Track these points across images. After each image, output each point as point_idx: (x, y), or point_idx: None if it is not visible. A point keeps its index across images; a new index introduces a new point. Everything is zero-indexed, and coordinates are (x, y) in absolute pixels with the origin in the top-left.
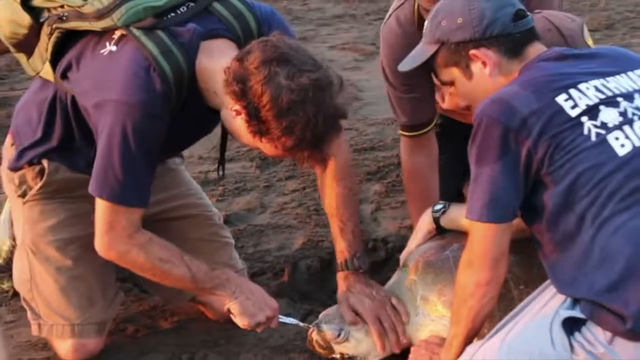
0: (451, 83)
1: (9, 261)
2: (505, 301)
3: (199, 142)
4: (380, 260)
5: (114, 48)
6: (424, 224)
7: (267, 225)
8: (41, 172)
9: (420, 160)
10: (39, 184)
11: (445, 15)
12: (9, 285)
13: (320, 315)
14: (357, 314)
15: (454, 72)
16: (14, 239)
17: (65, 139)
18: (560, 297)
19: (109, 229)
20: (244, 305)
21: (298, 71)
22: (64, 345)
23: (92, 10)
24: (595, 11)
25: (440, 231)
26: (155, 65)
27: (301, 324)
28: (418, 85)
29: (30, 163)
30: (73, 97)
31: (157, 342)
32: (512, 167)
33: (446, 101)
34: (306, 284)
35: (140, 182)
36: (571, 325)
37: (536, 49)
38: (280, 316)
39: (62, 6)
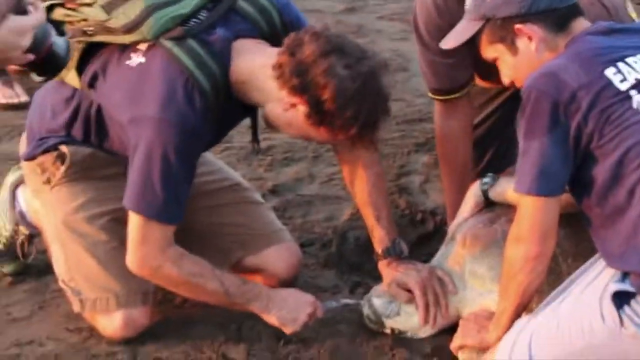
0: (495, 59)
1: (9, 247)
2: (553, 275)
3: None
4: (428, 232)
5: (142, 59)
6: (472, 196)
7: (316, 195)
8: (60, 157)
9: (453, 124)
10: (64, 167)
11: None
12: (10, 269)
13: (372, 290)
14: (407, 290)
15: (499, 48)
16: (16, 224)
17: (82, 138)
18: (610, 271)
19: (143, 243)
20: (279, 316)
21: (355, 60)
22: (110, 321)
23: (119, 24)
24: None
25: (488, 204)
26: (192, 80)
27: (348, 301)
28: (456, 50)
29: (46, 151)
30: (99, 106)
31: (205, 313)
32: (562, 140)
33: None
34: (354, 255)
35: (178, 199)
36: (621, 299)
37: (581, 24)
38: (325, 303)
39: (84, 19)
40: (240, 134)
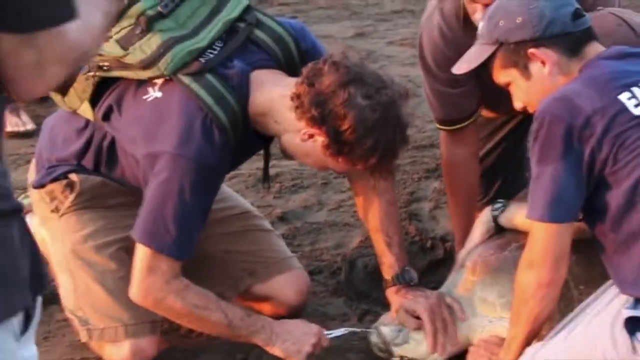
0: (508, 84)
1: None
2: (564, 301)
3: None
4: (438, 259)
5: (159, 94)
6: (482, 222)
7: (324, 222)
8: (69, 185)
9: (460, 152)
10: (72, 195)
11: (504, 15)
12: None
13: (380, 318)
14: (415, 317)
15: (512, 73)
16: None
17: (92, 168)
18: (622, 297)
19: (149, 274)
20: (284, 348)
21: (375, 90)
22: (117, 351)
23: (135, 60)
24: None
25: (498, 230)
26: (211, 115)
27: (354, 329)
28: (463, 80)
29: (55, 179)
30: (112, 138)
31: (211, 342)
32: (575, 166)
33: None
34: (363, 283)
35: (191, 235)
36: (634, 325)
37: (595, 48)
38: (330, 332)
39: (99, 54)
40: (248, 162)
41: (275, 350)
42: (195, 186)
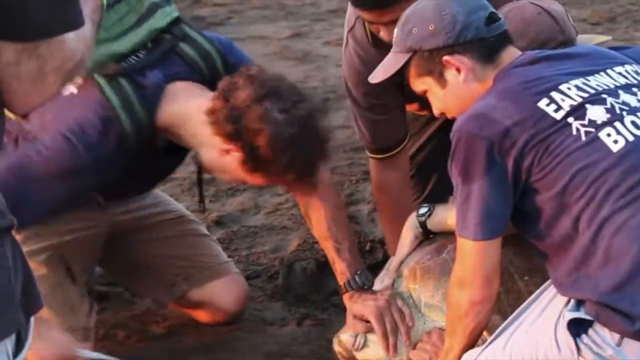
0: (424, 92)
1: None
2: (512, 294)
3: None
4: (377, 262)
5: (75, 90)
6: (409, 229)
7: (262, 226)
8: None
9: (392, 176)
10: None
11: (416, 22)
12: None
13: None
14: (364, 320)
15: (428, 81)
16: None
17: None
18: (563, 298)
19: None
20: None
21: (292, 104)
22: None
23: None
24: (597, 4)
25: (426, 235)
26: (114, 118)
27: (103, 356)
28: (388, 105)
29: None
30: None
31: (149, 348)
32: (501, 180)
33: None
34: (302, 287)
35: (33, 210)
36: (576, 327)
37: (511, 54)
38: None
39: None
40: (184, 165)
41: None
42: (62, 171)
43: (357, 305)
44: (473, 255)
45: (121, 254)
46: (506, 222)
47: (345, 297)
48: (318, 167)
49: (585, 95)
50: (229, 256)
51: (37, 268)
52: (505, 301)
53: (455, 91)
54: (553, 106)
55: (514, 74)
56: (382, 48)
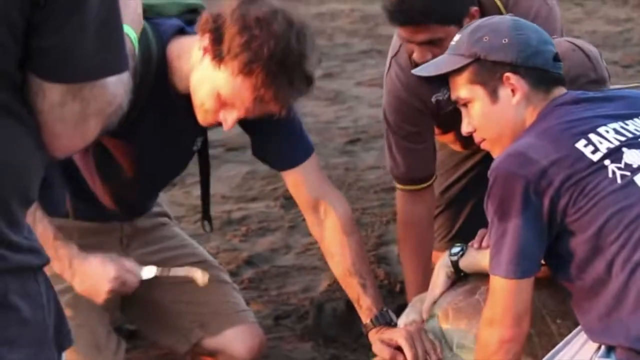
0: (466, 102)
1: None
2: (545, 336)
3: (222, 180)
4: (407, 303)
5: None
6: (442, 268)
7: (292, 266)
8: None
9: (418, 210)
10: None
11: (490, 32)
12: None
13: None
14: (393, 347)
15: (478, 92)
16: None
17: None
18: (594, 344)
19: None
20: (83, 289)
21: (270, 3)
22: None
23: None
24: (628, 46)
25: (458, 275)
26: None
27: (165, 267)
28: (423, 134)
29: None
30: None
31: None
32: (535, 220)
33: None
34: (332, 327)
35: None
36: None
37: (560, 92)
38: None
39: None
40: (214, 204)
41: (76, 288)
42: None
43: (386, 333)
44: (504, 294)
45: (139, 297)
46: (539, 262)
47: (372, 333)
48: (282, 72)
49: (623, 138)
50: (259, 296)
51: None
52: (537, 343)
53: (502, 111)
54: (590, 148)
55: (555, 114)
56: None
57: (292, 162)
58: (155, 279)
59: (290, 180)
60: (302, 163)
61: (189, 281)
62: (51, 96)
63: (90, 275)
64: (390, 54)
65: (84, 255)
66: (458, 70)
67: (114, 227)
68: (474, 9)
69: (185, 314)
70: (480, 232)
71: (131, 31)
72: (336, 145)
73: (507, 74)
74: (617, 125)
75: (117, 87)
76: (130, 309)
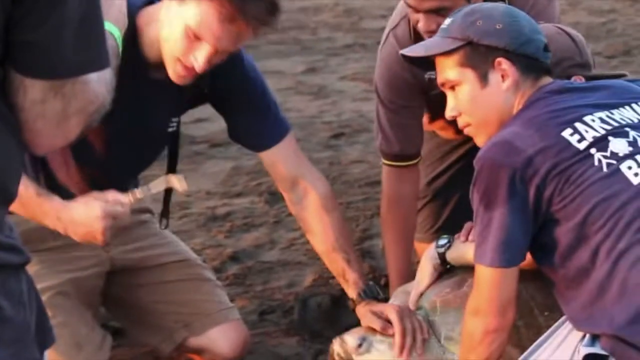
0: (454, 85)
1: None
2: (532, 329)
3: (206, 176)
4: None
5: None
6: (428, 260)
7: (277, 261)
8: None
9: (405, 188)
10: None
11: (483, 16)
12: None
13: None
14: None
15: (468, 75)
16: None
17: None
18: (579, 333)
19: None
20: (79, 237)
21: None
22: None
23: None
24: (612, 37)
25: (445, 266)
26: None
27: (140, 190)
28: (414, 111)
29: None
30: None
31: None
32: (521, 208)
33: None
34: (317, 322)
35: None
36: None
37: (546, 81)
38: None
39: None
40: (200, 200)
41: (74, 238)
42: None
43: (377, 306)
44: (489, 283)
45: (122, 297)
46: (524, 251)
47: (360, 307)
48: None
49: (609, 127)
50: (244, 292)
51: None
52: (525, 335)
53: (491, 96)
54: (576, 136)
55: (541, 102)
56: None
57: (268, 142)
58: (141, 276)
59: (268, 160)
60: (278, 143)
61: (174, 280)
62: (32, 93)
63: (80, 221)
64: (388, 28)
65: (67, 203)
66: (448, 53)
67: None
68: None
69: (169, 314)
70: (467, 225)
71: (115, 29)
72: (320, 139)
73: (499, 59)
74: (603, 114)
75: (99, 85)
76: (114, 308)
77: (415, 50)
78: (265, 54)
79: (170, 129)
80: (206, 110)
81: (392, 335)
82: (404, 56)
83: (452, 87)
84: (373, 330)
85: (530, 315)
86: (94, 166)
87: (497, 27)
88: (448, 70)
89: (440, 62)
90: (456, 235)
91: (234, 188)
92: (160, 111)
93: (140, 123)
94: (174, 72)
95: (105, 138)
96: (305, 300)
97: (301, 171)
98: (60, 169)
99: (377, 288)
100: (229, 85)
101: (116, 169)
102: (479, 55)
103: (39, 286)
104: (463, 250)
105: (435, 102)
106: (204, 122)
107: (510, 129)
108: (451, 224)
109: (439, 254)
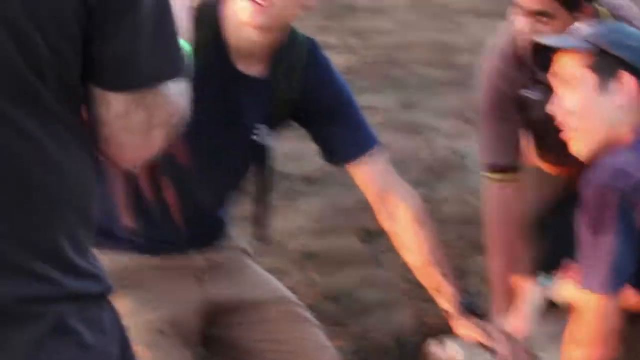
0: (570, 81)
1: None
2: None
3: (300, 213)
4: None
5: None
6: (532, 300)
7: (373, 301)
8: None
9: (515, 207)
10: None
11: (619, 31)
12: None
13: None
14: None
15: (587, 76)
16: None
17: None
18: None
19: None
20: None
21: None
22: None
23: None
24: None
25: (547, 305)
26: None
27: None
28: (515, 126)
29: None
30: None
31: None
32: (628, 234)
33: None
34: None
35: None
36: None
37: None
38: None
39: None
40: (293, 237)
41: None
42: None
43: (479, 321)
44: (595, 311)
45: (221, 335)
46: (628, 277)
47: (457, 319)
48: None
49: None
50: (340, 332)
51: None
52: None
53: (604, 105)
54: None
55: None
56: (522, 66)
57: (358, 151)
58: (240, 315)
59: (358, 171)
60: (368, 152)
61: (273, 319)
62: (116, 106)
63: None
64: (491, 46)
65: None
66: (577, 51)
67: (184, 260)
68: (589, 7)
69: (268, 352)
70: (566, 262)
71: (186, 45)
72: (412, 177)
73: (624, 73)
74: None
75: (179, 98)
76: (213, 346)
77: (547, 39)
78: (359, 89)
79: (255, 137)
80: (300, 146)
81: (493, 351)
82: (530, 44)
83: (567, 83)
84: (473, 342)
85: None
86: (176, 175)
87: (630, 43)
88: (569, 67)
89: (563, 58)
90: (556, 273)
91: (329, 225)
92: (248, 111)
93: (226, 121)
94: (245, 11)
95: (186, 147)
96: (403, 341)
97: (392, 184)
98: (151, 190)
99: (477, 302)
100: (320, 93)
101: (201, 177)
102: (606, 63)
103: (138, 321)
104: (565, 288)
105: (538, 130)
106: (298, 159)
107: (620, 155)
108: (548, 258)
109: (541, 292)
